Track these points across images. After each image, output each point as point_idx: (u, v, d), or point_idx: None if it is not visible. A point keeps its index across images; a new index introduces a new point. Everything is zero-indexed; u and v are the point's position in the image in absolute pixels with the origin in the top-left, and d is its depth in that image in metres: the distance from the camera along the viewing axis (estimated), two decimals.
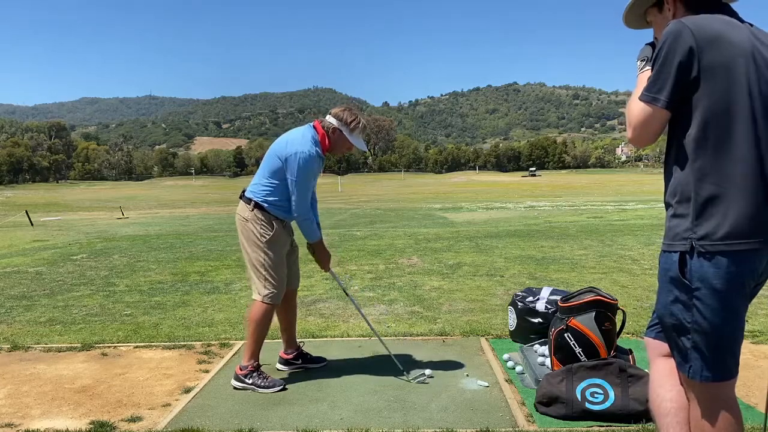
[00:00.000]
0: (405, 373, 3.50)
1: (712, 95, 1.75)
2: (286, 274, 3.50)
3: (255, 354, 3.43)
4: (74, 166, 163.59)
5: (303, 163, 3.29)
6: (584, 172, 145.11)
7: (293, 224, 3.60)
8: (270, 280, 3.39)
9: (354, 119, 3.42)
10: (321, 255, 3.59)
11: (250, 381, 3.36)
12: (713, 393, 1.82)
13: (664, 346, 1.98)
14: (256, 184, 3.43)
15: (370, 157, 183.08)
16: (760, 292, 1.93)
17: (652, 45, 1.96)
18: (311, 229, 3.47)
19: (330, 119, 3.44)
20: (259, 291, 3.42)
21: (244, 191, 3.49)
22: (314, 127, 3.45)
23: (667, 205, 1.87)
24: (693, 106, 1.77)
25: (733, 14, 1.89)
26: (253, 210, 3.40)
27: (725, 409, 1.82)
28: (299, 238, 3.63)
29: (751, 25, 1.89)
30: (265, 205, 3.38)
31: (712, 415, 1.82)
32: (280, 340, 3.88)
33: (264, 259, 3.38)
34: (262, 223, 3.38)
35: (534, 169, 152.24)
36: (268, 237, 3.37)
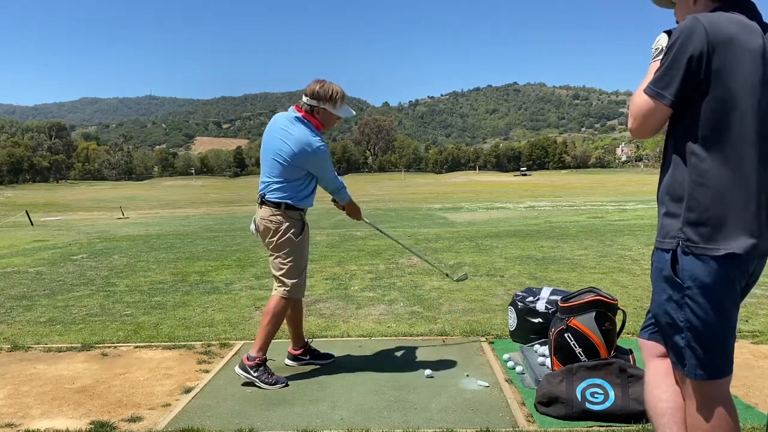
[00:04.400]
0: (448, 273, 4.52)
1: (717, 99, 1.73)
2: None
3: (264, 347, 3.45)
4: (74, 166, 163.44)
5: (324, 156, 3.47)
6: (584, 172, 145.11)
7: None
8: (295, 276, 3.50)
9: (332, 93, 3.45)
10: (352, 210, 3.83)
11: (255, 374, 3.38)
12: (708, 391, 1.83)
13: (659, 347, 1.98)
14: (280, 188, 3.44)
15: (370, 157, 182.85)
16: (760, 292, 1.92)
17: (669, 33, 1.89)
18: (345, 195, 3.70)
19: (309, 101, 3.46)
20: (285, 285, 3.48)
21: (263, 197, 3.49)
22: (302, 117, 3.46)
23: (660, 202, 1.87)
24: (697, 107, 1.75)
25: (754, 13, 1.83)
26: (285, 211, 3.45)
27: (721, 407, 1.83)
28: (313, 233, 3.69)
29: None
30: (298, 203, 3.46)
31: (707, 413, 1.83)
32: (283, 340, 3.89)
33: (295, 256, 3.47)
34: (296, 221, 3.48)
35: (525, 168, 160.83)
36: (301, 236, 3.49)
